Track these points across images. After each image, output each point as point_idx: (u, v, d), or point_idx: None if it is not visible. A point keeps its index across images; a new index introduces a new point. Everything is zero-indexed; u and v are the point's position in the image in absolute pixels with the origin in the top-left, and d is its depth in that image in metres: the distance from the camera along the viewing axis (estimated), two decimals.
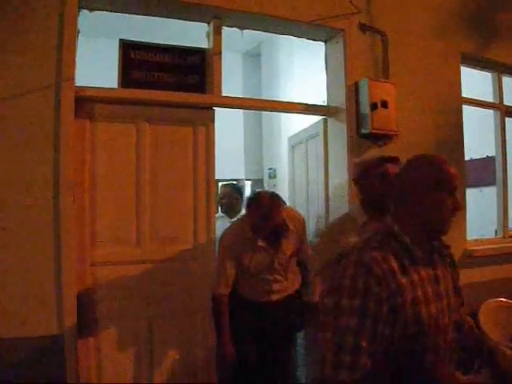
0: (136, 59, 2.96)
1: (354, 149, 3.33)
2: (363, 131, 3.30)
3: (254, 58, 6.02)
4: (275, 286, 2.86)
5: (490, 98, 4.42)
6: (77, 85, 2.67)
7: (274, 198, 2.77)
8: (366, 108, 3.26)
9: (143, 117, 2.92)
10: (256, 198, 2.78)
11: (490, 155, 4.74)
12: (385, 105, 3.25)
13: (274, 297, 2.87)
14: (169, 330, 2.94)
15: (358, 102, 3.33)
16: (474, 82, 4.27)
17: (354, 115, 3.34)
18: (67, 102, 2.61)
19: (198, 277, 3.00)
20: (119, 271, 2.84)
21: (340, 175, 3.41)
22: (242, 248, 2.78)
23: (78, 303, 2.62)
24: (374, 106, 3.22)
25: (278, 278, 2.85)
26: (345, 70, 3.36)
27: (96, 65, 3.66)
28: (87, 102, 2.78)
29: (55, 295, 2.55)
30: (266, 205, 2.71)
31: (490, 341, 3.45)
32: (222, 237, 2.86)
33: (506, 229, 4.40)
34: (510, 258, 4.18)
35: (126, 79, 2.91)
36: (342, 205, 3.34)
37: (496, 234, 4.42)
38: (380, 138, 3.37)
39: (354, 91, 3.34)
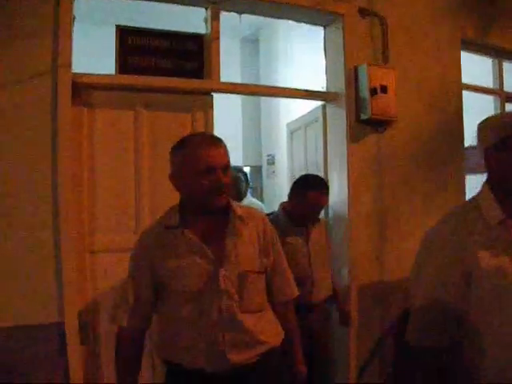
0: (133, 45, 2.92)
1: (353, 135, 3.32)
2: (363, 117, 3.27)
3: (252, 43, 5.98)
4: (230, 335, 1.63)
5: (489, 84, 4.39)
6: (74, 71, 2.64)
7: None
8: (365, 93, 3.23)
9: (141, 103, 2.89)
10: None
11: None
12: (384, 90, 3.23)
13: (234, 358, 1.62)
14: None
15: (357, 88, 3.31)
16: (474, 67, 4.23)
17: (354, 101, 3.32)
18: (64, 89, 2.58)
19: None
20: (119, 259, 2.82)
21: (340, 161, 3.39)
22: (161, 252, 1.70)
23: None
24: (373, 91, 3.20)
25: (231, 311, 1.64)
26: (344, 55, 3.32)
27: (93, 51, 3.61)
28: (84, 89, 2.75)
29: (55, 283, 2.54)
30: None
31: None
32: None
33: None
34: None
35: (123, 65, 2.88)
36: (342, 191, 3.33)
37: None
38: (380, 123, 3.35)
39: (353, 76, 3.32)
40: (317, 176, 3.08)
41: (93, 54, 3.53)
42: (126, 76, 2.86)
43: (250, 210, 1.89)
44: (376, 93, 3.20)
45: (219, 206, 1.68)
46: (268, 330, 1.73)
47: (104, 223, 2.80)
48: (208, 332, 1.62)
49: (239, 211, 1.75)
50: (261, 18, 3.50)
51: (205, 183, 1.62)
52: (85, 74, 2.73)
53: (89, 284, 2.75)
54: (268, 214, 2.82)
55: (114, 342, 1.78)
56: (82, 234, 2.72)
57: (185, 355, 1.64)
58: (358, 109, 3.30)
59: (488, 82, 4.39)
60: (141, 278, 1.72)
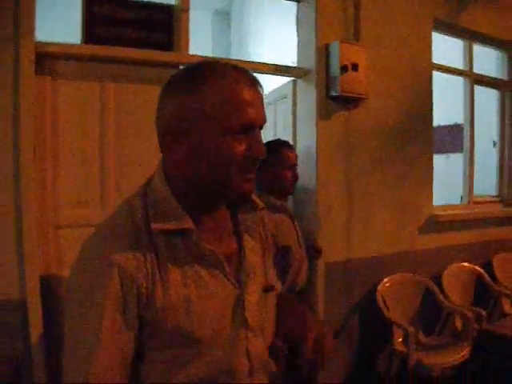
0: (100, 14, 2.82)
1: (322, 111, 3.31)
2: (332, 94, 3.27)
3: (224, 16, 5.89)
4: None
5: (459, 66, 4.43)
6: (37, 40, 2.54)
7: None
8: (336, 70, 3.22)
9: (107, 75, 2.81)
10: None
11: (458, 122, 4.78)
12: (355, 68, 3.22)
13: None
14: None
15: (328, 65, 3.29)
16: (445, 48, 4.26)
17: (324, 77, 3.30)
18: (27, 58, 2.48)
19: None
20: (85, 234, 2.78)
21: (309, 138, 3.38)
22: (151, 274, 0.98)
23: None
24: (344, 69, 3.19)
25: (261, 353, 1.10)
26: (316, 32, 3.29)
27: (58, 19, 3.50)
28: (49, 59, 2.65)
29: (16, 258, 2.47)
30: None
31: (450, 304, 3.61)
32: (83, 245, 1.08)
33: (472, 195, 4.48)
34: (474, 223, 4.28)
35: (89, 35, 2.78)
36: (311, 168, 3.33)
37: (461, 201, 4.50)
38: (349, 101, 3.35)
39: (324, 53, 3.30)
40: (278, 139, 3.07)
41: (57, 21, 3.41)
42: (91, 46, 2.76)
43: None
44: (346, 70, 3.19)
45: (248, 193, 1.06)
46: None
47: (68, 198, 2.74)
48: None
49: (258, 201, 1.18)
50: None
51: (239, 149, 0.99)
52: (49, 43, 2.62)
53: (53, 260, 2.69)
54: None
55: None
56: (44, 208, 2.66)
57: None
58: (328, 86, 3.29)
59: (457, 63, 4.43)
60: (113, 317, 0.94)
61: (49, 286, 2.63)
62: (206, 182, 1.00)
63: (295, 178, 2.87)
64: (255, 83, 1.02)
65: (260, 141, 1.01)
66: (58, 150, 2.70)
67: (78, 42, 2.79)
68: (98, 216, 2.78)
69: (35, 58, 2.52)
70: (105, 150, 2.81)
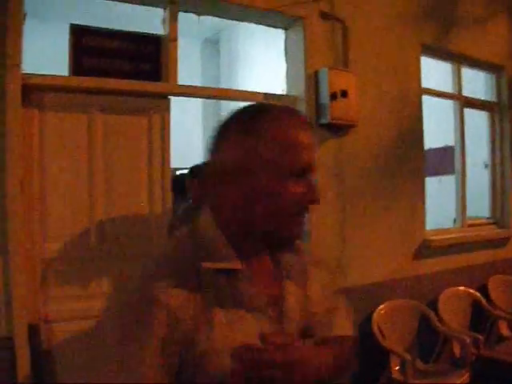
0: (88, 45, 2.82)
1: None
2: (322, 121, 3.26)
3: (213, 45, 5.91)
4: None
5: (448, 89, 4.45)
6: (24, 72, 2.51)
7: None
8: (325, 98, 3.22)
9: (95, 106, 2.78)
10: None
11: (448, 144, 4.78)
12: (344, 94, 3.22)
13: None
14: None
15: (317, 92, 3.29)
16: (433, 72, 4.28)
17: (314, 105, 3.29)
18: (13, 90, 2.45)
19: None
20: (73, 267, 2.73)
21: None
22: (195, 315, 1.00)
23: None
24: (333, 96, 3.18)
25: None
26: (304, 59, 3.30)
27: (45, 51, 3.48)
28: (36, 91, 2.62)
29: (4, 295, 2.40)
30: None
31: (447, 329, 3.56)
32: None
33: (465, 218, 4.46)
34: (468, 247, 4.25)
35: (76, 66, 2.77)
36: None
37: (454, 223, 4.48)
38: (340, 128, 3.35)
39: (313, 80, 3.30)
40: None
41: (45, 53, 3.40)
42: (79, 78, 2.75)
43: None
44: (336, 97, 3.19)
45: (298, 237, 1.05)
46: None
47: (57, 232, 2.69)
48: None
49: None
50: (222, 20, 3.43)
51: (295, 192, 0.99)
52: (36, 75, 2.60)
53: (40, 296, 2.63)
54: None
55: None
56: (32, 242, 2.60)
57: None
58: (318, 113, 3.28)
59: (447, 87, 4.45)
60: (155, 361, 0.93)
61: (36, 325, 2.57)
62: (259, 224, 1.00)
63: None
64: (309, 127, 1.04)
65: (314, 184, 1.01)
66: (45, 184, 2.66)
67: (66, 73, 2.78)
68: (87, 250, 2.74)
69: (22, 89, 2.49)
70: (93, 183, 2.77)
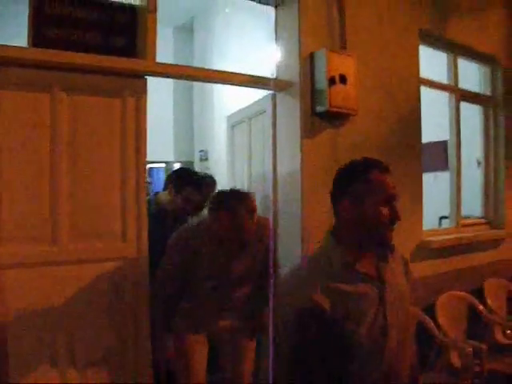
0: (52, 14, 2.41)
1: (307, 129, 2.95)
2: (319, 109, 2.91)
3: (186, 32, 5.58)
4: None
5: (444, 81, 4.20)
6: None
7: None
8: (322, 83, 2.87)
9: (60, 85, 2.39)
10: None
11: (444, 139, 4.52)
12: (343, 80, 2.88)
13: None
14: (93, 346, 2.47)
15: (313, 76, 2.94)
16: (430, 65, 4.02)
17: (309, 91, 2.95)
18: None
19: (129, 279, 2.54)
20: (31, 275, 2.33)
21: (291, 159, 3.02)
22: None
23: None
24: (332, 81, 2.84)
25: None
26: (299, 39, 2.94)
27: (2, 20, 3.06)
28: None
29: None
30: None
31: (445, 337, 3.31)
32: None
33: (459, 218, 4.21)
34: (463, 248, 4.02)
35: (37, 37, 2.36)
36: (294, 197, 2.96)
37: (450, 223, 4.24)
38: (337, 117, 3.01)
39: (308, 63, 2.95)
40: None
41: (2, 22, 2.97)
42: (40, 50, 2.34)
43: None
44: (334, 83, 2.85)
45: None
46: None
47: (12, 232, 2.30)
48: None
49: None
50: (196, 7, 3.03)
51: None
52: None
53: None
54: None
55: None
56: None
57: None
58: (314, 100, 2.94)
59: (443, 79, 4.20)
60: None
61: None
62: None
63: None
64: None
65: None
66: (0, 176, 2.27)
67: (25, 44, 2.36)
68: (49, 253, 2.35)
69: None
70: (57, 174, 2.38)
